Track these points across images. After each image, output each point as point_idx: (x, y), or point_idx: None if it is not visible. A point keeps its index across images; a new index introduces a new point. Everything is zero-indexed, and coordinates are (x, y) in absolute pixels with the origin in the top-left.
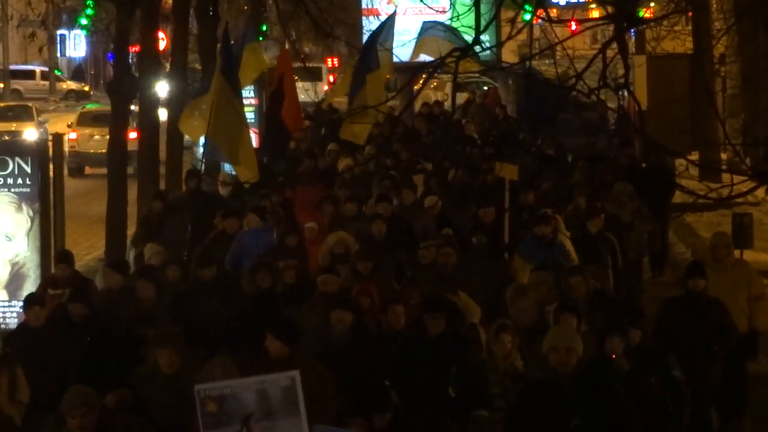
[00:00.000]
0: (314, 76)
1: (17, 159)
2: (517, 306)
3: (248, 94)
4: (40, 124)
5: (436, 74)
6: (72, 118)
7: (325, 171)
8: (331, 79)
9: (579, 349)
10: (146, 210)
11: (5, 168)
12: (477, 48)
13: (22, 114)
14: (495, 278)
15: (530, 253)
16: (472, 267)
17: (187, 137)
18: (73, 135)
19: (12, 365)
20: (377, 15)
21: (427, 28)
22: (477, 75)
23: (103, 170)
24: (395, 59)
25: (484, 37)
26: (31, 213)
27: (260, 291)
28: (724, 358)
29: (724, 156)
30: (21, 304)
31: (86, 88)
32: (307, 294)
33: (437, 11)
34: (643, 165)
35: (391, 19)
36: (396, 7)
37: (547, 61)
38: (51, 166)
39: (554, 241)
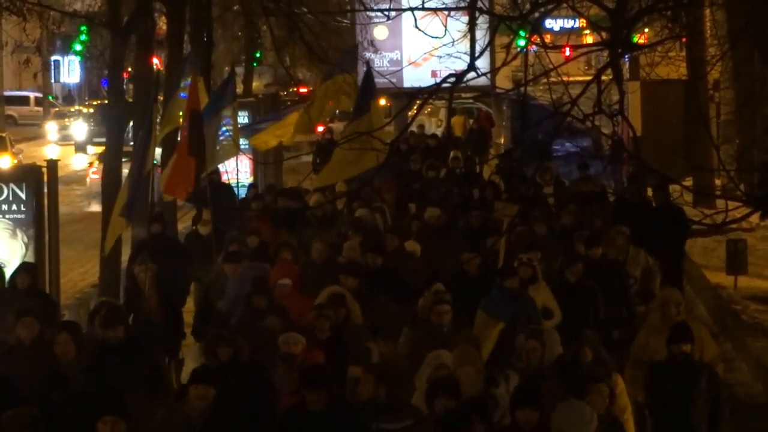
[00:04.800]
0: None
1: (12, 185)
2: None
3: (243, 120)
4: (15, 155)
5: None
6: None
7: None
8: None
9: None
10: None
11: (0, 194)
12: (471, 74)
13: None
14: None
15: (496, 308)
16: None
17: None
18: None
19: None
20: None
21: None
22: (471, 100)
23: None
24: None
25: (479, 63)
26: (25, 239)
27: (220, 365)
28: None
29: (718, 182)
30: None
31: None
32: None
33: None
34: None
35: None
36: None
37: (541, 87)
38: (45, 193)
39: (523, 293)
